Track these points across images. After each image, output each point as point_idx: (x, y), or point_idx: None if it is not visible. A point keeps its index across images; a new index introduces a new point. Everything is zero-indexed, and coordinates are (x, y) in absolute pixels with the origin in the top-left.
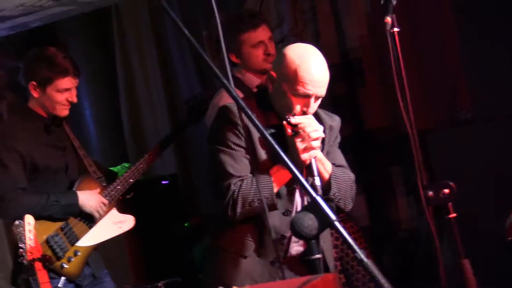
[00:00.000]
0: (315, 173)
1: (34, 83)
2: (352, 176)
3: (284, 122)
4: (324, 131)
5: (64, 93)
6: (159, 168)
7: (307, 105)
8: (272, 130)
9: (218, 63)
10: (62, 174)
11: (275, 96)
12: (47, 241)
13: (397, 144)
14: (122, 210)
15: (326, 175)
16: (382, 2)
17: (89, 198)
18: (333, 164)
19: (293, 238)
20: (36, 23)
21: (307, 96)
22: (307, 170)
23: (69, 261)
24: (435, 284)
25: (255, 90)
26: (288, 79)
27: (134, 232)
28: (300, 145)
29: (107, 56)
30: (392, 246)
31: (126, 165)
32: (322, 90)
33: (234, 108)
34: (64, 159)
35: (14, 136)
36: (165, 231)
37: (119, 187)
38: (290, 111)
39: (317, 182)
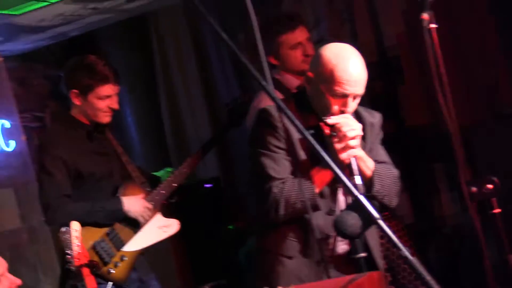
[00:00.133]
0: (356, 171)
1: (76, 91)
2: (395, 172)
3: (321, 123)
4: (364, 129)
5: (105, 100)
6: (202, 172)
7: (345, 105)
8: (312, 131)
9: (257, 66)
10: (106, 181)
11: (313, 97)
12: (93, 247)
13: (439, 141)
14: (167, 214)
15: (369, 173)
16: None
17: (133, 203)
18: (376, 160)
19: (339, 237)
20: (76, 32)
21: (345, 96)
22: (348, 169)
23: (116, 266)
24: (481, 280)
25: (294, 91)
26: (325, 80)
27: (179, 236)
28: (337, 145)
29: (146, 62)
30: (437, 243)
31: (169, 169)
32: (359, 89)
33: (273, 111)
34: (107, 166)
35: (57, 144)
36: (209, 234)
37: (163, 191)
38: (328, 111)
39: (358, 181)
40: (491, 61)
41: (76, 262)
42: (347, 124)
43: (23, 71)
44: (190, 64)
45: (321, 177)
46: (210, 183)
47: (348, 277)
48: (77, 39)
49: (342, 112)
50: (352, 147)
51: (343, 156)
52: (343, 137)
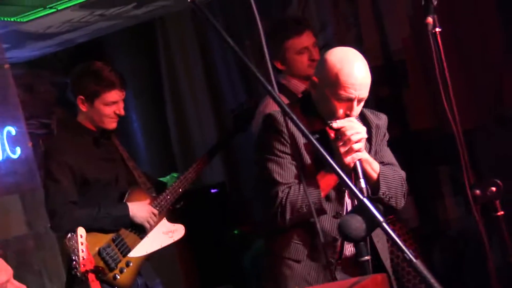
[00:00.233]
0: (361, 175)
1: (82, 97)
2: (402, 173)
3: (327, 127)
4: (370, 131)
5: (111, 106)
6: (208, 177)
7: (350, 109)
8: (317, 136)
9: (263, 71)
10: (112, 186)
11: (318, 101)
12: (99, 253)
13: (443, 144)
14: (173, 219)
15: (374, 175)
16: (422, 3)
17: (139, 209)
18: (382, 162)
19: None
20: (83, 38)
21: (350, 100)
22: (354, 172)
23: (121, 272)
24: (485, 283)
25: (300, 96)
26: (330, 84)
27: (185, 241)
28: (342, 148)
29: (152, 68)
30: (441, 246)
31: (175, 175)
32: (364, 93)
33: (278, 116)
34: (113, 172)
35: (64, 150)
36: (215, 239)
37: (168, 197)
38: (333, 115)
39: (363, 184)
40: (495, 64)
41: (82, 268)
42: (352, 127)
43: (30, 78)
44: (197, 70)
45: (326, 181)
46: (216, 188)
47: (352, 280)
48: (84, 45)
49: (347, 115)
50: (357, 151)
51: (348, 159)
52: (347, 141)
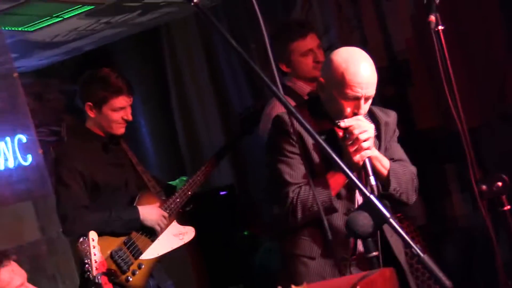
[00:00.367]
0: (370, 172)
1: (90, 103)
2: (412, 168)
3: (335, 127)
4: (379, 128)
5: (119, 111)
6: (217, 180)
7: (357, 107)
8: (324, 136)
9: (268, 73)
10: (122, 191)
11: (326, 102)
12: (111, 256)
13: (449, 142)
14: (183, 222)
15: (385, 172)
16: (425, 2)
17: (149, 212)
18: (392, 159)
19: None
20: (89, 46)
21: (357, 99)
22: (364, 170)
23: (133, 274)
24: (494, 278)
25: (306, 97)
26: (336, 84)
27: (195, 243)
28: (350, 147)
29: (159, 74)
30: (449, 242)
31: (184, 178)
32: (371, 91)
33: (286, 117)
34: (123, 176)
35: (74, 156)
36: (225, 240)
37: (178, 200)
38: (341, 114)
39: (372, 181)
40: (498, 61)
41: (95, 271)
42: (359, 126)
43: (38, 87)
44: (203, 74)
45: (336, 180)
46: (225, 191)
47: (360, 275)
48: (91, 53)
49: (355, 114)
50: (365, 149)
51: (357, 158)
52: (355, 140)
